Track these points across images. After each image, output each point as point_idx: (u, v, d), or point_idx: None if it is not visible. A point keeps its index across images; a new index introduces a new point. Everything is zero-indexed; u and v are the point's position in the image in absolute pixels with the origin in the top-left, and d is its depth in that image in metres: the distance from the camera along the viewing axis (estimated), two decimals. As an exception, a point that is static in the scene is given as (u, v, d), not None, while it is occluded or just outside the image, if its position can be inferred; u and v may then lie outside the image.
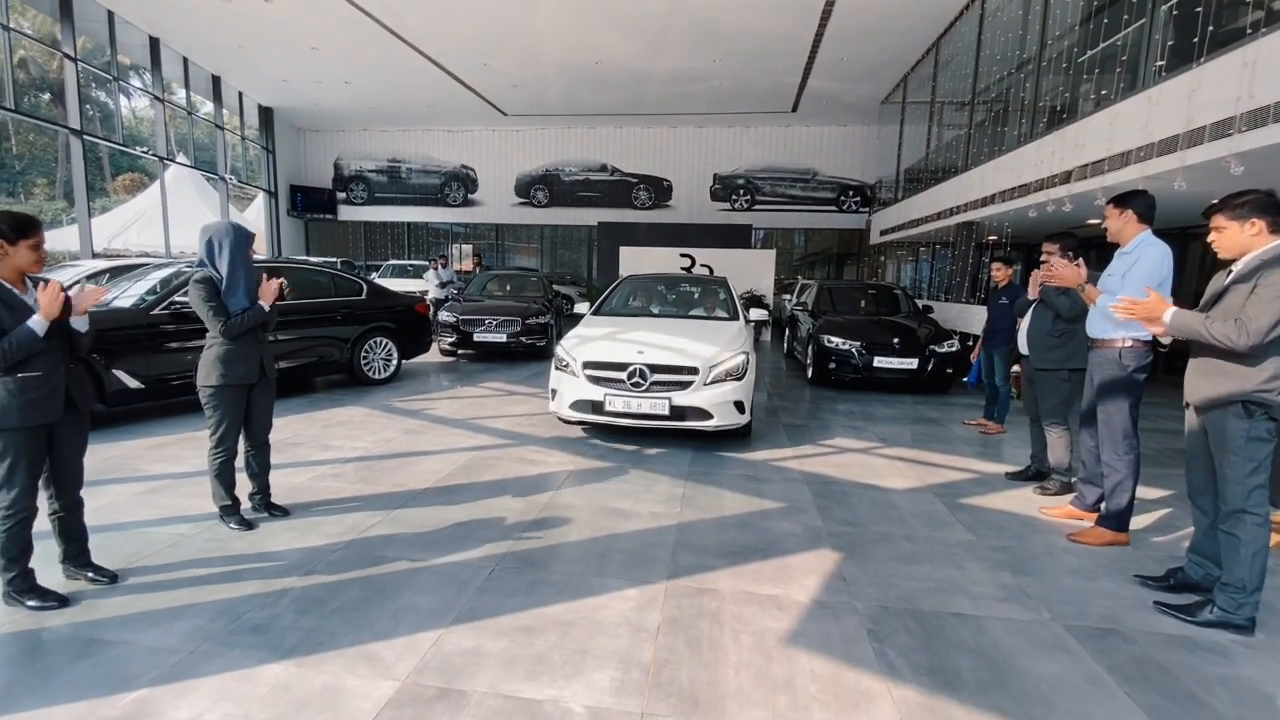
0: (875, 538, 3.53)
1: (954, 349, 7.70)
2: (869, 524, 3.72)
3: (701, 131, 19.90)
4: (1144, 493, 4.13)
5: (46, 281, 2.53)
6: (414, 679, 2.20)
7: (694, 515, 3.77)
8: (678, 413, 4.82)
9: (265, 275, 3.57)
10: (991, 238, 11.65)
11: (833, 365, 7.81)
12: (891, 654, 2.43)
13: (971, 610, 2.78)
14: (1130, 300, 2.77)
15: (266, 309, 3.40)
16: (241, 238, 3.39)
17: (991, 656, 2.44)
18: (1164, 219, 3.82)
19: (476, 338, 9.30)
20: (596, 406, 4.92)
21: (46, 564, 2.73)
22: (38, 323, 2.42)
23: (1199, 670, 2.39)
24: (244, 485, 3.55)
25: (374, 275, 14.16)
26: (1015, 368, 6.19)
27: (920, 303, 9.93)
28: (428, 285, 13.09)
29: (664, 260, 13.84)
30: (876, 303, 9.56)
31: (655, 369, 4.87)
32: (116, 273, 7.39)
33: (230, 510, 3.42)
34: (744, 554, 3.27)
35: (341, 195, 21.71)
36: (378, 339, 7.43)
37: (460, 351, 9.81)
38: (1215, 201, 2.70)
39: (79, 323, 2.61)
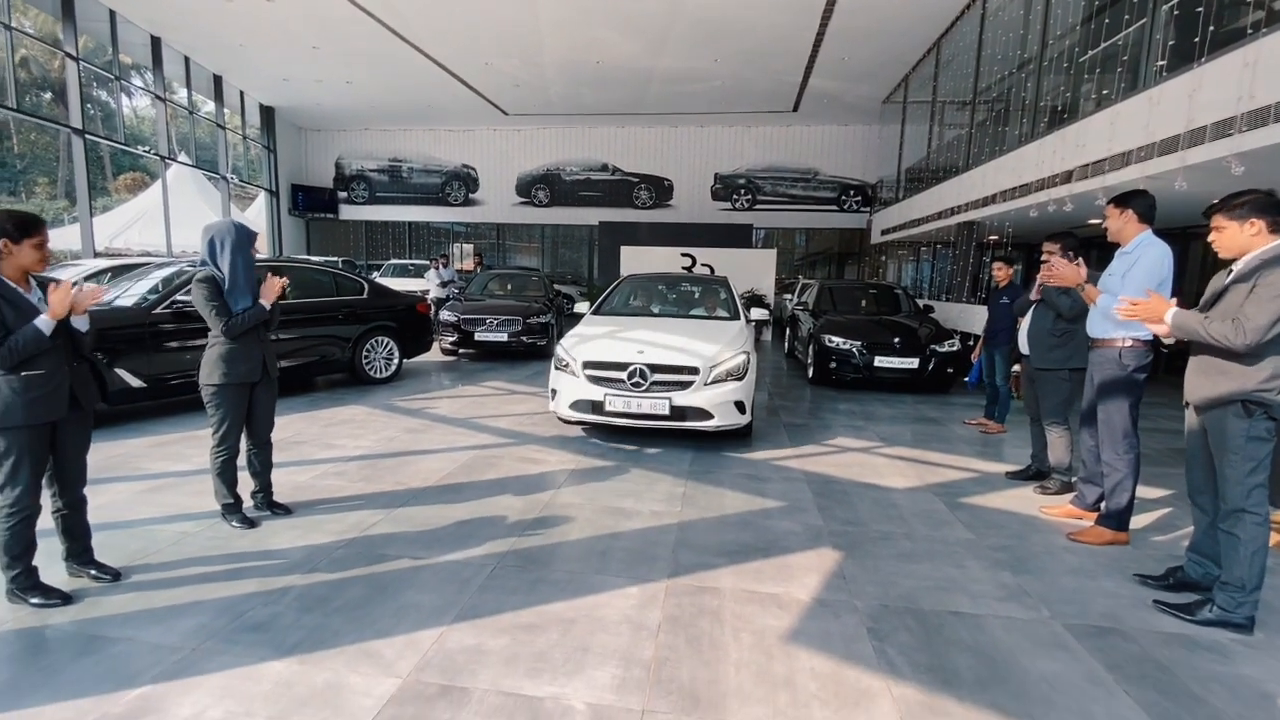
0: (876, 537, 3.53)
1: (954, 348, 7.70)
2: (869, 523, 3.73)
3: (702, 131, 19.90)
4: (1144, 492, 4.14)
5: (57, 282, 2.54)
6: (415, 676, 2.21)
7: (695, 514, 3.78)
8: (678, 413, 4.82)
9: (269, 274, 3.57)
10: (992, 237, 11.65)
11: (833, 365, 7.82)
12: (891, 652, 2.44)
13: (971, 609, 2.78)
14: (1131, 300, 2.78)
15: (268, 308, 3.42)
16: (243, 237, 3.40)
17: (991, 655, 2.44)
18: (1164, 219, 3.83)
19: (477, 337, 9.31)
20: (596, 406, 4.91)
21: (49, 562, 2.74)
22: (44, 322, 2.44)
23: (1198, 669, 2.40)
24: (246, 483, 3.56)
25: (375, 274, 14.17)
26: (1016, 367, 6.20)
27: (921, 302, 9.93)
28: (429, 284, 13.10)
29: (665, 260, 13.84)
30: (877, 302, 9.56)
31: (656, 369, 4.86)
32: (118, 272, 7.42)
33: (232, 508, 3.43)
34: (745, 553, 3.28)
35: (343, 194, 21.73)
36: (379, 338, 7.44)
37: (461, 351, 9.83)
38: (1215, 201, 2.71)
39: (79, 322, 2.62)
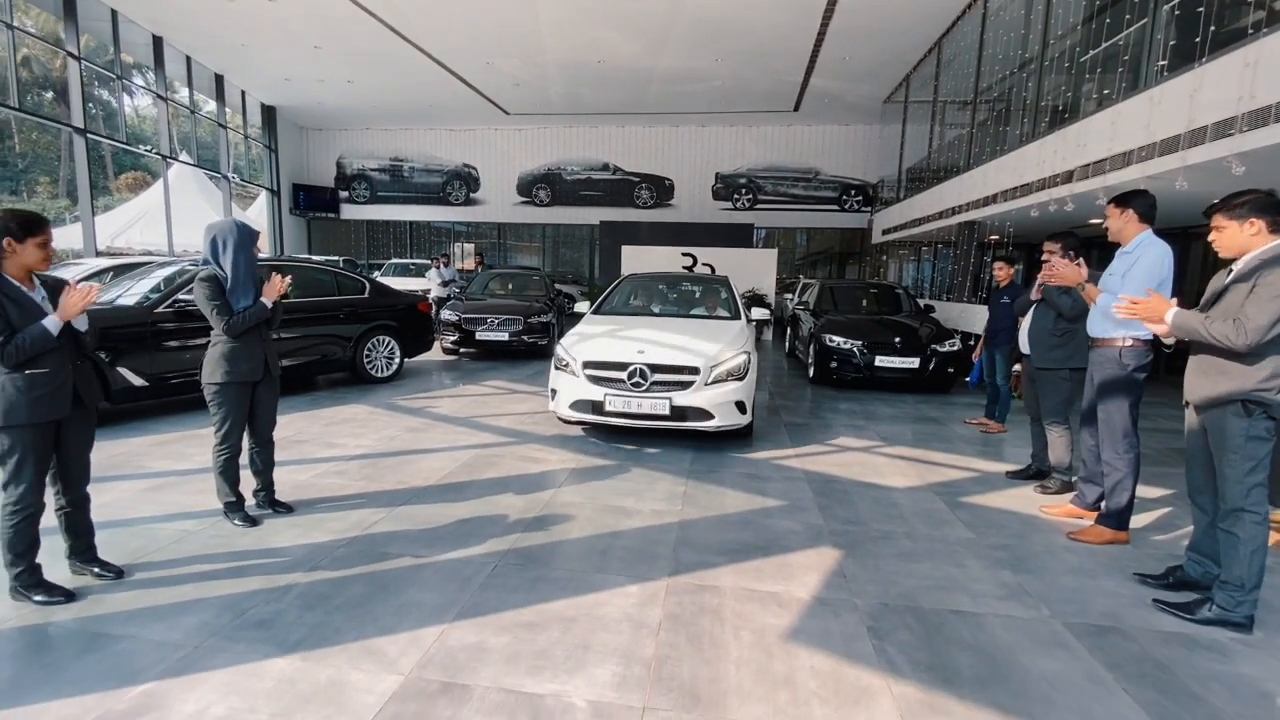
0: (876, 536, 3.54)
1: (955, 348, 7.71)
2: (870, 522, 3.74)
3: (703, 130, 19.90)
4: (1144, 491, 4.15)
5: (63, 281, 2.55)
6: (417, 674, 2.22)
7: (695, 513, 3.78)
8: (678, 413, 4.81)
9: (273, 273, 3.58)
10: (993, 237, 11.66)
11: (834, 364, 7.82)
12: (891, 651, 2.45)
13: (971, 608, 2.79)
14: (1131, 300, 2.78)
15: (269, 306, 3.42)
16: (245, 236, 3.40)
17: (991, 653, 2.45)
18: (1165, 219, 3.83)
19: (478, 336, 9.32)
20: (596, 406, 4.91)
21: (53, 559, 2.75)
22: (52, 323, 2.45)
23: (1198, 667, 2.40)
24: (248, 482, 3.57)
25: (376, 274, 14.19)
26: (1016, 367, 6.20)
27: (922, 302, 9.94)
28: (430, 284, 13.11)
29: (666, 259, 13.84)
30: (878, 302, 9.57)
31: (656, 369, 4.86)
32: (120, 271, 7.43)
33: (235, 507, 3.44)
34: (745, 551, 3.29)
35: (344, 194, 21.74)
36: (380, 337, 7.46)
37: (462, 350, 9.84)
38: (1216, 201, 2.71)
39: (79, 322, 2.63)
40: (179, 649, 2.32)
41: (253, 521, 3.43)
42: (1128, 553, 3.41)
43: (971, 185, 10.46)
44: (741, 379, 4.95)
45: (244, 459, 3.50)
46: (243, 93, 17.83)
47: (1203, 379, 2.68)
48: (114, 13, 12.84)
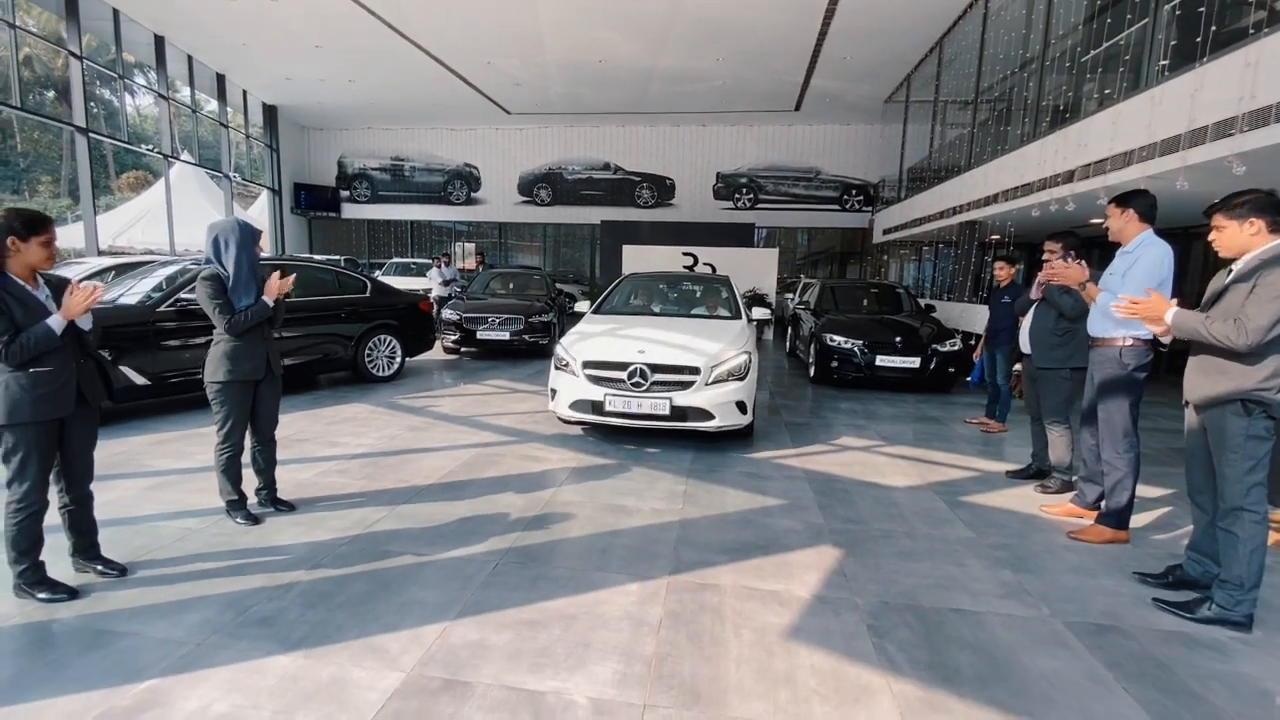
0: (876, 535, 3.55)
1: (956, 348, 7.71)
2: (870, 521, 3.74)
3: (704, 130, 19.90)
4: (1144, 491, 4.15)
5: (68, 280, 2.56)
6: (419, 671, 2.23)
7: (696, 512, 3.79)
8: (679, 413, 4.79)
9: (275, 272, 3.58)
10: (994, 237, 11.66)
11: (835, 364, 7.83)
12: (891, 649, 2.46)
13: (971, 606, 2.80)
14: (1131, 300, 2.79)
15: (271, 304, 3.43)
16: (247, 235, 3.41)
17: (991, 652, 2.46)
18: (1166, 219, 3.84)
19: (480, 335, 9.33)
20: (596, 407, 4.89)
21: (56, 557, 2.77)
22: (56, 322, 2.47)
23: (1197, 666, 2.41)
24: (250, 481, 3.57)
25: (377, 273, 14.20)
26: (1017, 366, 6.21)
27: (923, 302, 9.94)
28: (431, 283, 13.12)
29: (667, 259, 13.84)
30: (879, 302, 9.57)
31: (656, 368, 4.84)
32: (122, 270, 7.44)
33: (237, 505, 3.45)
34: (746, 550, 3.29)
35: (345, 193, 21.76)
36: (382, 336, 7.47)
37: (463, 349, 9.85)
38: (1216, 200, 2.72)
39: (82, 320, 2.64)
40: (182, 646, 2.34)
41: (255, 520, 3.44)
42: (1128, 552, 3.41)
43: (972, 185, 10.46)
44: (742, 379, 4.94)
45: (246, 457, 3.51)
46: (244, 92, 17.85)
47: (1203, 378, 2.69)
48: (116, 12, 12.86)
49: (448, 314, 9.57)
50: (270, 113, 19.33)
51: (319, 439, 5.10)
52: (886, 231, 16.66)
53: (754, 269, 14.31)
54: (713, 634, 2.53)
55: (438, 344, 9.17)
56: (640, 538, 3.41)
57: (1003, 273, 6.17)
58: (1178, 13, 6.17)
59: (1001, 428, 6.06)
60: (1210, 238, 2.74)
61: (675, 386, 4.83)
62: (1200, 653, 2.50)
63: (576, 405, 4.98)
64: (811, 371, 8.34)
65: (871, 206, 19.35)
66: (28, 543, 2.58)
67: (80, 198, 12.57)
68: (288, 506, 3.63)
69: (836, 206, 19.90)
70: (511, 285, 11.46)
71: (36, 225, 2.48)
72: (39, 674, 2.16)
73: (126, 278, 6.33)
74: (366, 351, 7.31)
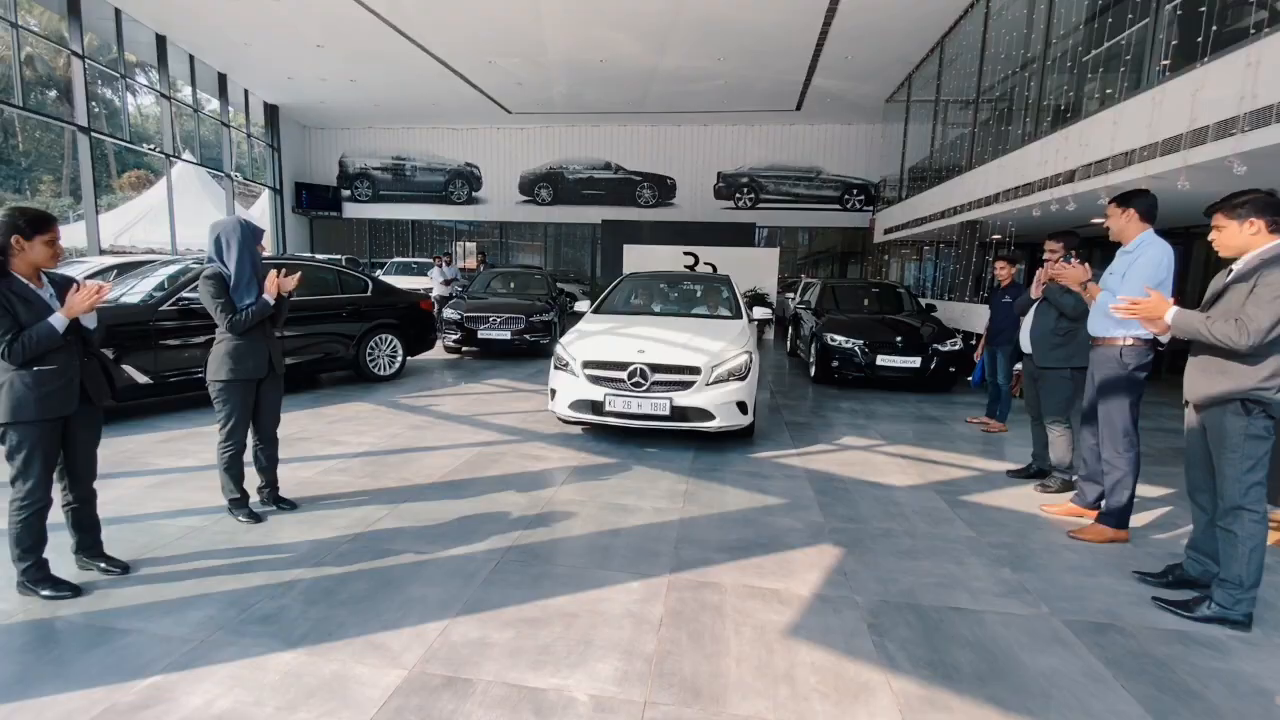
0: (877, 534, 3.56)
1: (957, 347, 7.72)
2: (870, 520, 3.75)
3: (706, 130, 19.90)
4: (1144, 490, 4.16)
5: (71, 279, 2.58)
6: (421, 668, 2.25)
7: (696, 511, 3.80)
8: (679, 413, 4.77)
9: (284, 271, 3.59)
10: (995, 237, 11.65)
11: (836, 363, 7.84)
12: (891, 647, 2.46)
13: (971, 605, 2.81)
14: (1131, 300, 2.79)
15: (271, 302, 3.44)
16: (249, 233, 3.43)
17: (990, 650, 2.47)
18: (1167, 218, 3.84)
19: (481, 335, 9.34)
20: (596, 407, 4.88)
21: (60, 555, 2.78)
22: (59, 320, 2.48)
23: (1196, 665, 2.42)
24: (252, 479, 3.59)
25: (378, 273, 14.22)
26: (1017, 366, 6.21)
27: (924, 301, 9.95)
28: (432, 282, 13.15)
29: (668, 258, 13.87)
30: (880, 301, 9.57)
31: (656, 368, 4.82)
32: (123, 269, 7.45)
33: (239, 503, 3.46)
34: (746, 549, 3.30)
35: (346, 193, 21.78)
36: (383, 336, 7.48)
37: (464, 349, 9.86)
38: (1217, 200, 2.72)
39: (88, 319, 2.66)
40: (185, 643, 2.35)
41: (257, 518, 3.45)
42: (1127, 551, 3.42)
43: (973, 184, 10.46)
44: (743, 379, 4.93)
45: (248, 456, 3.52)
46: (245, 91, 17.88)
47: (1203, 378, 2.69)
48: (118, 11, 12.88)
49: (449, 313, 9.59)
50: (272, 112, 19.35)
51: (321, 438, 5.12)
52: (887, 231, 16.65)
53: (755, 268, 14.32)
54: (713, 632, 2.54)
55: (439, 343, 9.18)
56: (641, 536, 3.42)
57: (1003, 272, 6.17)
58: (1179, 12, 6.17)
59: (1002, 427, 6.06)
60: (1210, 237, 2.75)
61: (676, 386, 4.82)
62: (1199, 651, 2.51)
63: (576, 405, 4.97)
64: (812, 371, 8.35)
65: (872, 206, 19.34)
66: (31, 540, 2.59)
67: (82, 197, 12.60)
68: (290, 505, 3.64)
69: (837, 206, 19.90)
70: (512, 285, 11.48)
71: (41, 224, 2.49)
72: (43, 671, 2.17)
73: (128, 277, 6.34)
74: (368, 351, 7.33)
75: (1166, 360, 8.31)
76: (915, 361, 7.55)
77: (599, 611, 2.66)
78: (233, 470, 3.43)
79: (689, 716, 2.05)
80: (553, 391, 5.15)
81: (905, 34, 12.52)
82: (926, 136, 14.06)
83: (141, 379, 5.35)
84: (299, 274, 3.63)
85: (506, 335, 9.32)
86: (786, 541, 3.41)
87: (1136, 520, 3.71)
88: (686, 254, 14.37)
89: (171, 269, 6.14)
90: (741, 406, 4.89)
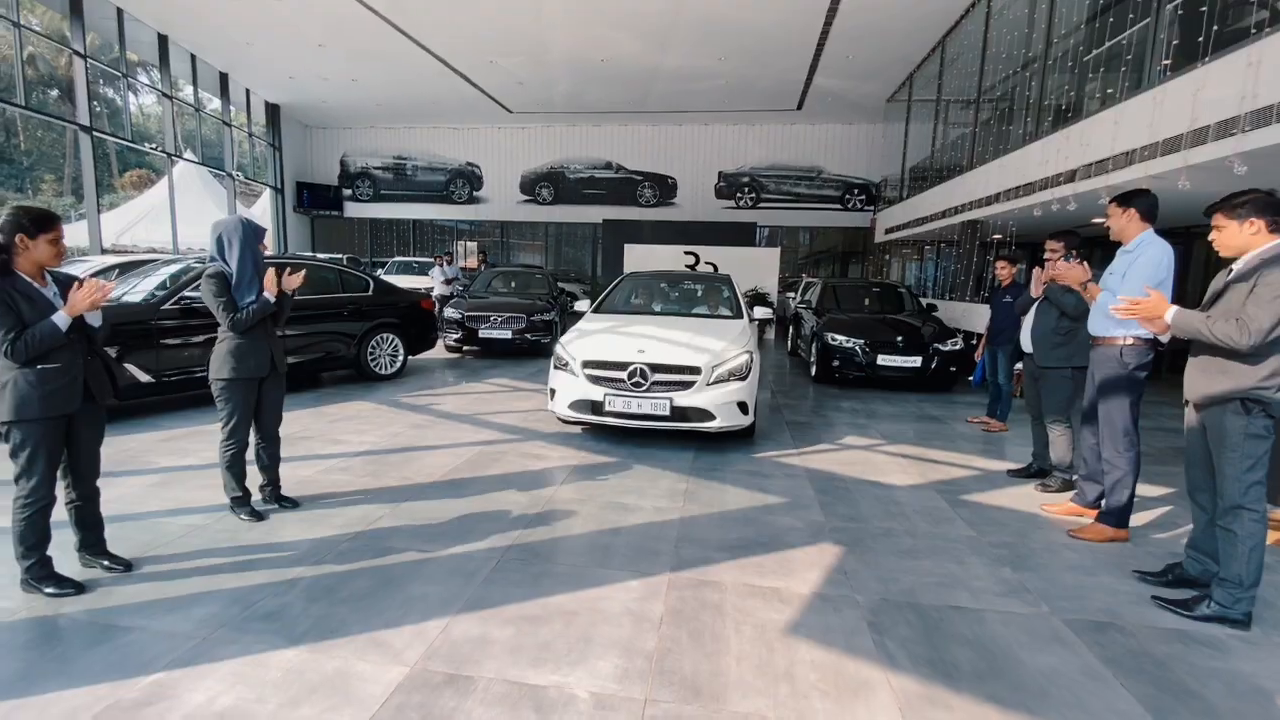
0: (877, 533, 3.56)
1: (958, 347, 7.72)
2: (871, 519, 3.76)
3: (706, 129, 19.89)
4: (1144, 490, 4.16)
5: (75, 278, 2.59)
6: (422, 665, 2.26)
7: (697, 510, 3.81)
8: (679, 414, 4.75)
9: (288, 270, 3.60)
10: (996, 236, 11.65)
11: (837, 363, 7.84)
12: (891, 645, 2.47)
13: (971, 604, 2.81)
14: (1130, 300, 2.80)
15: (272, 300, 3.44)
16: (251, 232, 3.44)
17: (990, 648, 2.47)
18: (1167, 218, 3.84)
19: (481, 334, 9.35)
20: (596, 407, 4.86)
21: (63, 552, 2.79)
22: (61, 318, 2.49)
23: (1195, 664, 2.42)
24: (254, 477, 3.60)
25: (379, 272, 14.24)
26: (1018, 366, 6.21)
27: (925, 301, 9.95)
28: (433, 282, 13.17)
29: (669, 258, 13.88)
30: (881, 301, 9.58)
31: (656, 368, 4.81)
32: (125, 269, 7.47)
33: (241, 502, 3.47)
34: (746, 547, 3.31)
35: (347, 192, 21.79)
36: (384, 335, 7.50)
37: (465, 348, 9.87)
38: (1217, 200, 2.73)
39: (92, 317, 2.67)
40: (188, 640, 2.36)
41: (259, 516, 3.46)
42: (1127, 550, 3.42)
43: (974, 184, 10.46)
44: (744, 379, 4.92)
45: (250, 454, 3.53)
46: (247, 91, 17.89)
47: (1203, 377, 2.70)
48: (120, 11, 12.90)
49: (450, 313, 9.60)
50: (273, 111, 19.37)
51: (322, 436, 5.13)
52: (888, 231, 16.65)
53: (756, 268, 14.33)
54: (714, 630, 2.55)
55: (440, 343, 9.19)
56: (642, 535, 3.43)
57: (1004, 272, 6.18)
58: (1180, 12, 6.17)
59: (1003, 427, 6.07)
60: (1210, 237, 2.75)
61: (676, 386, 4.81)
62: (1198, 650, 2.51)
63: (576, 405, 4.96)
64: (813, 371, 8.35)
65: (873, 206, 19.33)
66: (35, 538, 2.60)
67: (84, 196, 12.62)
68: (291, 503, 3.65)
69: (838, 206, 19.88)
70: (513, 284, 11.49)
71: (45, 223, 2.50)
72: (46, 668, 2.19)
73: (130, 276, 6.36)
74: (369, 350, 7.34)
75: (1166, 360, 8.31)
76: (916, 361, 7.55)
77: (599, 610, 2.67)
78: (235, 469, 3.44)
79: (689, 714, 2.06)
80: (552, 391, 5.14)
81: (906, 34, 12.52)
82: (927, 136, 14.06)
83: (143, 378, 5.36)
84: (303, 271, 3.65)
85: (507, 334, 9.34)
86: (787, 540, 3.42)
87: (1136, 519, 3.72)
88: (687, 253, 14.38)
89: (173, 268, 6.15)
90: (742, 407, 4.88)
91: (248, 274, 3.38)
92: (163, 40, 14.12)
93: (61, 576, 2.67)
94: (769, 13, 11.58)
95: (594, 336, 5.35)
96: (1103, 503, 3.67)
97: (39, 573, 2.63)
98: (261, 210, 20.15)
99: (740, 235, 17.20)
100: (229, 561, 2.99)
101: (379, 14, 12.28)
